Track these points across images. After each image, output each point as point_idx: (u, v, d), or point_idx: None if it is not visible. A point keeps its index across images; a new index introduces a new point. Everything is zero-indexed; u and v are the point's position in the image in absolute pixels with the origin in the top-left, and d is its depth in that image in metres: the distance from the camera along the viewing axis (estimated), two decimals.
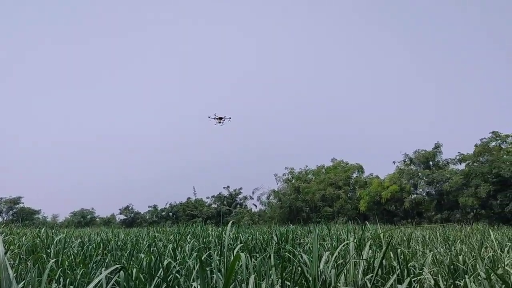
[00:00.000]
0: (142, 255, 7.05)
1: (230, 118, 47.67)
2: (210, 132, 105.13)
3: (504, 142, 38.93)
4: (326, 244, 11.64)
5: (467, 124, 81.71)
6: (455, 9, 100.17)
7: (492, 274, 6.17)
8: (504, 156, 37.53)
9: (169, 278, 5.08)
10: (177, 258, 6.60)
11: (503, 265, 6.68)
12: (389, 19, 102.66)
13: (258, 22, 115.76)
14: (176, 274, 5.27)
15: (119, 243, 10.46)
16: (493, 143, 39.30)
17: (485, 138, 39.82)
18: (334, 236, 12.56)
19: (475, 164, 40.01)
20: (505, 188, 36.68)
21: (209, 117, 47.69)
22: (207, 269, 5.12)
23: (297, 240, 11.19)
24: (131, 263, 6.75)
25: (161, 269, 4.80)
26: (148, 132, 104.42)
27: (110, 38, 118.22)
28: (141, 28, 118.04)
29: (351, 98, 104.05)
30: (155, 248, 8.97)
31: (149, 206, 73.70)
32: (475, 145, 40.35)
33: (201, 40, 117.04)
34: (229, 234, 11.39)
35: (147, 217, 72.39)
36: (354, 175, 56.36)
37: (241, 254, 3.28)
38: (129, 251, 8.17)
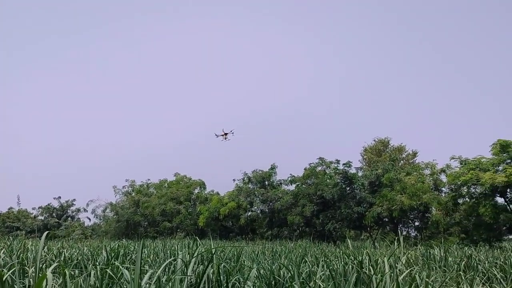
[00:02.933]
0: None
1: (233, 132, 48.45)
2: (41, 141, 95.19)
3: (328, 168, 43.86)
4: (160, 260, 11.44)
5: (301, 149, 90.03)
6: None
7: (306, 287, 6.81)
8: (327, 180, 42.27)
9: None
10: None
11: (315, 279, 7.46)
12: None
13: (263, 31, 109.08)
14: None
15: None
16: (319, 168, 43.99)
17: (313, 162, 44.38)
18: (168, 252, 12.44)
19: (303, 185, 44.14)
20: (326, 209, 41.20)
21: (215, 134, 48.44)
22: (16, 287, 4.56)
23: (129, 255, 10.77)
24: None
25: None
26: None
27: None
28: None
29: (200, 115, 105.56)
30: None
31: None
32: (305, 169, 44.63)
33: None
34: (51, 248, 10.38)
35: None
36: (196, 191, 56.97)
37: (48, 273, 3.00)
38: None
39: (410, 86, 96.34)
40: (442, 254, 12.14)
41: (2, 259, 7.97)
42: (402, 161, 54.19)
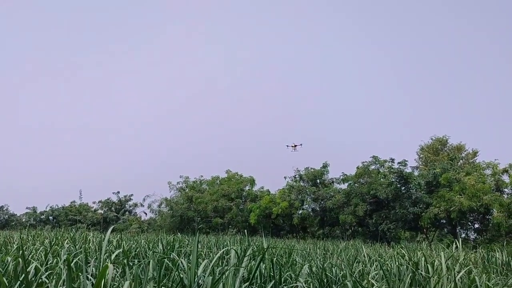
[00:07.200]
0: (9, 258, 6.44)
1: (301, 144, 54.30)
2: (105, 140, 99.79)
3: (382, 167, 42.73)
4: (213, 254, 11.67)
5: (351, 147, 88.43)
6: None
7: (359, 286, 6.71)
8: (381, 179, 41.20)
9: (38, 282, 4.70)
10: (49, 263, 6.15)
11: (368, 278, 7.33)
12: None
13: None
14: (45, 279, 4.90)
15: None
16: (373, 167, 42.94)
17: (366, 161, 43.38)
18: (221, 246, 12.68)
19: (356, 184, 43.30)
20: (380, 209, 40.22)
21: (287, 146, 54.72)
22: (81, 274, 4.84)
23: (183, 248, 11.08)
24: None
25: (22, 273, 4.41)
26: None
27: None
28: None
29: (255, 113, 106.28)
30: (26, 252, 8.22)
31: (27, 208, 67.43)
32: (357, 167, 43.72)
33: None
34: (111, 240, 10.90)
35: (24, 220, 66.16)
36: (247, 188, 57.44)
37: (110, 265, 3.17)
38: None
39: (470, 84, 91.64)
40: (504, 258, 11.52)
41: (67, 249, 8.47)
42: (461, 161, 51.70)
